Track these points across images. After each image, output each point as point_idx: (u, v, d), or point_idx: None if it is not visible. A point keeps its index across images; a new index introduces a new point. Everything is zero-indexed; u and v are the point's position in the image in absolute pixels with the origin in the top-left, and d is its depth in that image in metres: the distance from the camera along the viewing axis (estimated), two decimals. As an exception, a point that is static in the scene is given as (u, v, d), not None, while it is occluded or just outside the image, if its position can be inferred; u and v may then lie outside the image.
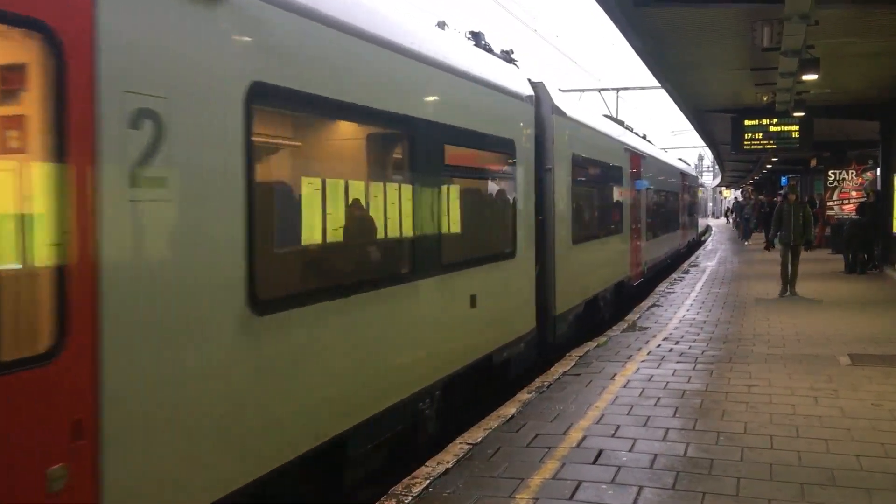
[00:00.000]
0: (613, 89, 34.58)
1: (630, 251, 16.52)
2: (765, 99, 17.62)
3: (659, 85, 18.23)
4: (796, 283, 15.67)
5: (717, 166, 63.06)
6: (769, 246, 16.83)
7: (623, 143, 16.36)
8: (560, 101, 11.10)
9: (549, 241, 10.31)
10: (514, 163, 8.76)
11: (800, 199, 16.81)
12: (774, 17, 10.63)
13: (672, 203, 25.83)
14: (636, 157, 17.54)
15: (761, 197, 45.65)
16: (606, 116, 18.05)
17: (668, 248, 24.33)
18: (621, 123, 19.37)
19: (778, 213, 15.90)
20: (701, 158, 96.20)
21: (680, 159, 34.90)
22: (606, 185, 14.70)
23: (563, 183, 10.88)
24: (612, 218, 14.98)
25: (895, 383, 8.26)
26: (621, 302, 15.30)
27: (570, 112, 11.49)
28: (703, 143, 40.95)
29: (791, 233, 15.43)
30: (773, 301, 15.06)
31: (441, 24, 8.58)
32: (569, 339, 11.08)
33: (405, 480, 5.61)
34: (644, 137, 22.86)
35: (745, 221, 39.30)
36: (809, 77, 13.67)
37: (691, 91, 18.96)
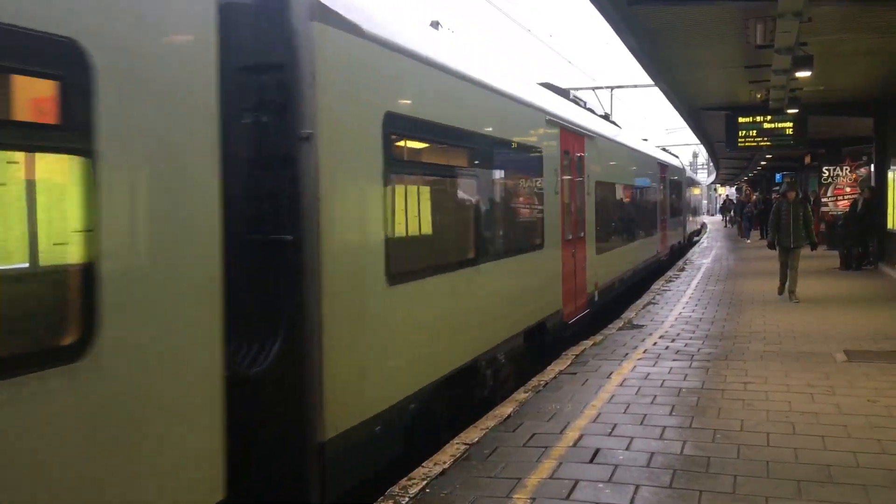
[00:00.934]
0: (607, 87, 34.64)
1: (564, 274, 11.15)
2: (759, 96, 17.64)
3: (653, 83, 18.24)
4: (796, 288, 14.48)
5: (711, 164, 63.15)
6: (772, 247, 15.04)
7: (546, 113, 10.58)
8: (346, 3, 5.62)
9: (308, 289, 4.97)
10: (115, 113, 3.48)
11: (800, 196, 15.04)
12: (768, 14, 10.66)
13: (646, 201, 20.54)
14: (575, 137, 12.00)
15: (756, 194, 45.18)
16: (543, 84, 13.17)
17: (639, 259, 18.92)
18: (565, 94, 14.26)
19: (776, 212, 14.51)
20: (696, 156, 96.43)
21: (664, 149, 30.81)
22: (505, 175, 8.94)
23: (353, 167, 5.55)
24: (519, 227, 9.62)
25: (891, 380, 8.27)
26: (549, 348, 10.47)
27: (379, 29, 5.98)
28: (697, 141, 40.97)
29: (790, 234, 14.18)
30: (769, 299, 15.06)
31: None
32: (400, 461, 6.11)
33: (402, 481, 5.60)
34: (606, 118, 18.33)
35: (748, 219, 38.01)
36: (803, 74, 13.72)
37: (685, 89, 18.98)
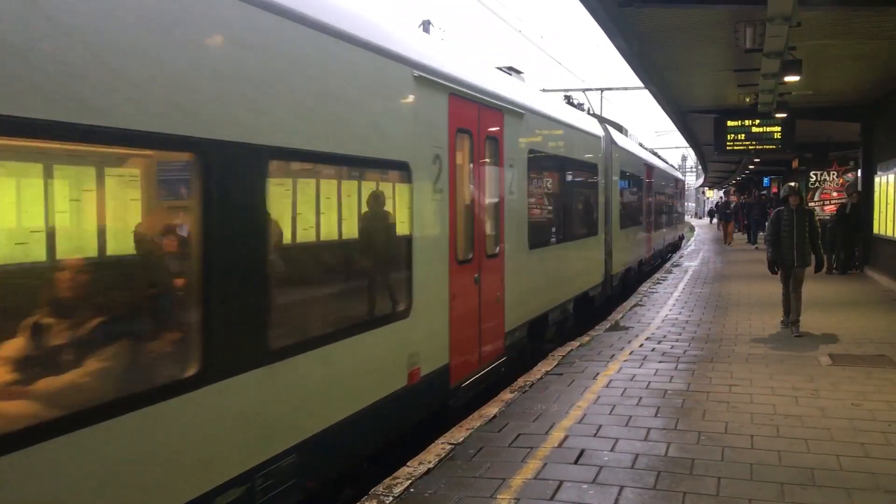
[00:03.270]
0: (598, 89, 34.68)
1: None
2: (747, 100, 17.71)
3: (643, 86, 18.27)
4: (799, 317, 11.56)
5: (700, 167, 63.39)
6: (772, 269, 11.88)
7: None
8: None
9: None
10: None
11: (804, 202, 12.14)
12: (757, 18, 10.69)
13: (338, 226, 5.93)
14: None
15: (753, 192, 43.85)
16: None
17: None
18: None
19: (775, 222, 11.63)
20: (685, 159, 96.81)
21: (594, 116, 18.57)
22: None
23: None
24: None
25: (875, 383, 8.32)
26: None
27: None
28: (686, 144, 41.08)
29: (793, 250, 11.37)
30: (755, 302, 15.10)
31: None
32: None
33: (386, 481, 5.59)
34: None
35: (755, 224, 32.62)
36: (791, 78, 13.77)
37: (675, 92, 19.04)
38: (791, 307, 11.66)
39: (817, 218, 12.11)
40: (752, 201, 37.53)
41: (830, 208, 25.75)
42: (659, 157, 31.21)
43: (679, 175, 40.56)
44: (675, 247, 33.40)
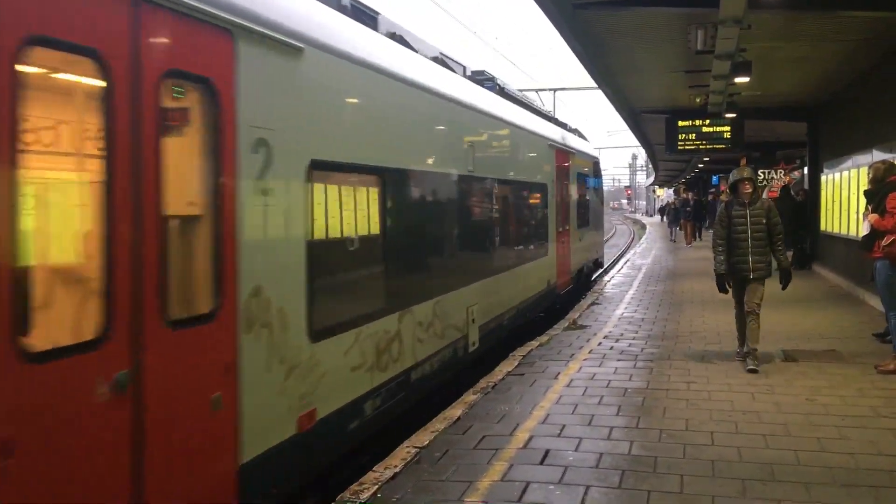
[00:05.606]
0: (550, 90, 34.97)
1: None
2: (698, 101, 18.02)
3: (595, 86, 18.46)
4: (757, 344, 9.16)
5: (651, 165, 64.33)
6: (724, 286, 9.38)
7: None
8: None
9: None
10: None
11: (758, 194, 9.16)
12: (709, 20, 10.89)
13: None
14: None
15: (689, 194, 43.23)
16: None
17: None
18: None
19: (722, 220, 9.15)
20: (635, 157, 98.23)
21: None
22: None
23: None
24: None
25: (827, 378, 8.52)
26: None
27: None
28: (637, 143, 41.60)
29: (749, 256, 8.94)
30: (707, 299, 15.35)
31: None
32: None
33: (353, 486, 5.56)
34: None
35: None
36: (741, 79, 14.05)
37: (628, 93, 19.28)
38: (747, 332, 9.22)
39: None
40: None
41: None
42: (529, 105, 15.40)
43: (584, 147, 20.13)
44: (583, 280, 19.26)
